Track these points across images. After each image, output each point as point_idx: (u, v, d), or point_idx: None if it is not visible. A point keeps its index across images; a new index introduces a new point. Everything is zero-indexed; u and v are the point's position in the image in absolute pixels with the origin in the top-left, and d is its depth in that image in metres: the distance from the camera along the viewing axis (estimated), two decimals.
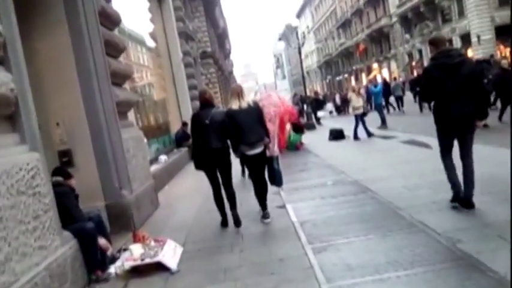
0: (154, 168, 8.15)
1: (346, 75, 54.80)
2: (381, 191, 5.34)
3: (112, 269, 3.86)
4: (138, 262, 3.83)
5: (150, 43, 13.01)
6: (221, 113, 4.88)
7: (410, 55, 37.39)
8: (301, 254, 3.69)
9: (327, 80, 65.09)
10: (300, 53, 21.17)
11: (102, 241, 3.90)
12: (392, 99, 18.92)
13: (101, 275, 3.73)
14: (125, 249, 4.24)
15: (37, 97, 3.82)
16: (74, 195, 4.00)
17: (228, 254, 4.02)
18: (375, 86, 14.97)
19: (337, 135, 12.05)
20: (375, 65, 44.80)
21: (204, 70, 22.52)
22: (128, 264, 3.82)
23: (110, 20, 5.97)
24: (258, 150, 4.80)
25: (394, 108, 18.95)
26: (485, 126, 8.36)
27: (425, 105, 13.85)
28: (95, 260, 3.74)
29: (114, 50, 5.95)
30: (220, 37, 35.84)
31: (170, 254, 3.98)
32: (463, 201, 4.16)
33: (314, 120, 18.38)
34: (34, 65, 4.50)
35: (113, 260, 4.03)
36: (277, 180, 5.96)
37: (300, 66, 23.16)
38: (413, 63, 35.68)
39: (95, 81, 5.09)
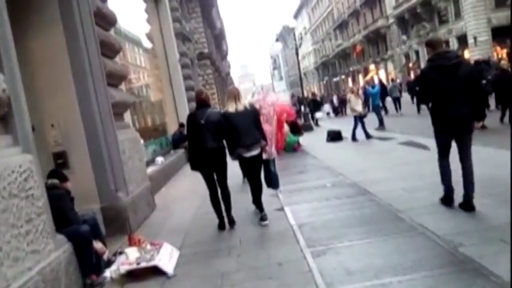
0: (150, 170, 8.08)
1: (343, 77, 54.89)
2: (380, 193, 5.30)
3: (107, 273, 3.79)
4: (134, 266, 3.77)
5: (147, 44, 12.93)
6: (217, 113, 4.88)
7: (407, 56, 37.44)
8: (300, 257, 3.63)
9: (324, 81, 65.16)
10: (297, 54, 21.08)
11: (97, 245, 3.83)
12: (389, 100, 18.85)
13: (96, 279, 3.65)
14: (120, 253, 4.17)
15: (31, 98, 3.75)
16: (70, 198, 3.93)
17: (226, 258, 3.96)
18: (372, 87, 14.85)
19: (335, 136, 12.04)
20: (372, 66, 44.87)
21: (201, 71, 22.49)
22: (124, 268, 3.76)
23: (106, 20, 5.91)
24: (255, 152, 4.80)
25: (386, 111, 17.99)
26: (483, 127, 8.37)
27: (423, 106, 13.83)
28: (89, 264, 3.66)
29: (109, 50, 5.89)
30: (217, 38, 35.86)
31: (166, 258, 3.92)
32: (463, 204, 4.13)
33: (311, 121, 18.34)
34: (28, 65, 4.42)
35: (108, 263, 3.96)
36: (273, 183, 5.95)
37: (297, 68, 23.09)
38: (410, 65, 35.73)
39: (90, 82, 5.03)
